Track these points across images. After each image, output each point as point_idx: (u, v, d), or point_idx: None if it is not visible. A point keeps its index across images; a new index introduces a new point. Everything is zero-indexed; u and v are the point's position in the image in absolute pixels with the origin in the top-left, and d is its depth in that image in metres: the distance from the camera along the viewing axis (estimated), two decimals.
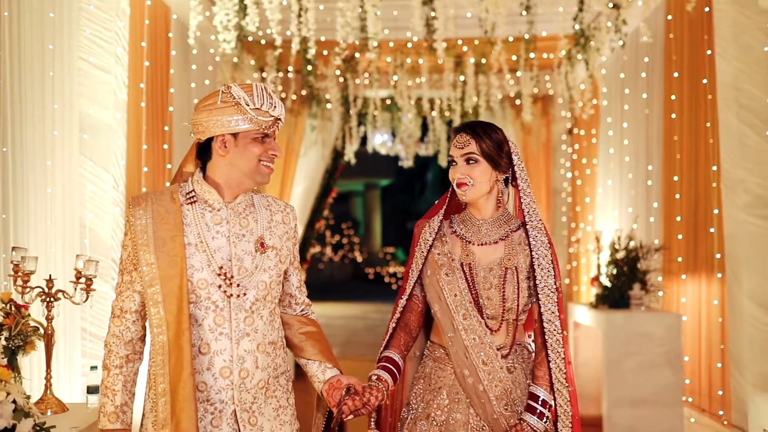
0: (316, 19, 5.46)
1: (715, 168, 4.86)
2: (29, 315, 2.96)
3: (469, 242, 2.39)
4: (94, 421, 2.74)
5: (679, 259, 5.47)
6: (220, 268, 2.12)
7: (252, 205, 2.22)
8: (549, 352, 2.30)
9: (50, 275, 2.98)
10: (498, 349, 2.32)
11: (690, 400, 5.37)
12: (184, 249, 2.10)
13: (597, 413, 5.51)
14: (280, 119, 2.15)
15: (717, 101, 4.76)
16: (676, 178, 5.52)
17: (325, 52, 7.06)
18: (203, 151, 2.18)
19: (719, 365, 4.93)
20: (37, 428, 2.28)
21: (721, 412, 4.87)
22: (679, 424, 5.04)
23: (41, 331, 2.93)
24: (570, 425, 2.30)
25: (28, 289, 2.86)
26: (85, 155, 4.30)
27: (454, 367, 2.33)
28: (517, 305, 2.32)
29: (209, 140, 2.15)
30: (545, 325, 2.31)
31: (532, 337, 2.43)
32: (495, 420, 2.28)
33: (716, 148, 4.82)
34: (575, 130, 8.40)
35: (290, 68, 7.42)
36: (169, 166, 5.70)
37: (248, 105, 2.10)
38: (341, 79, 7.88)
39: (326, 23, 6.12)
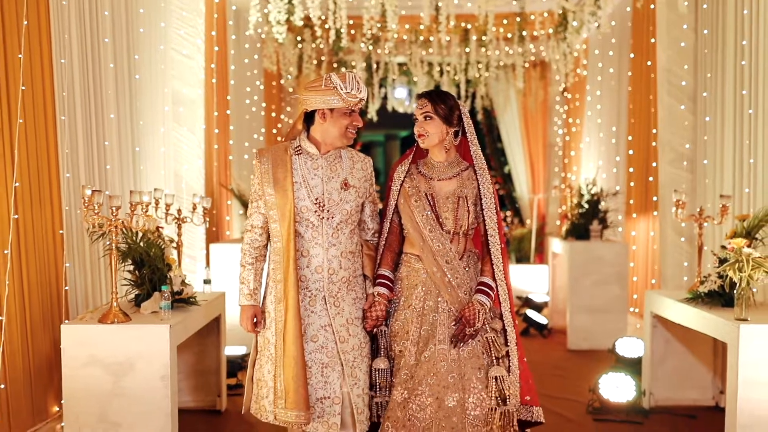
0: (346, 4, 6.85)
1: (654, 131, 6.29)
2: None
3: (431, 178, 3.08)
4: (214, 297, 4.32)
5: (631, 201, 6.96)
6: (316, 199, 2.89)
7: (339, 157, 2.98)
8: (491, 256, 3.05)
9: (179, 208, 4.55)
10: (456, 253, 3.06)
11: (637, 310, 6.91)
12: (293, 185, 2.88)
13: (564, 324, 7.03)
14: (363, 99, 2.87)
15: (656, 79, 6.15)
16: (630, 138, 6.98)
17: (353, 32, 8.46)
18: (308, 117, 2.94)
19: (653, 281, 6.45)
20: (194, 292, 3.88)
21: None
22: (624, 327, 6.56)
23: (173, 244, 4.50)
24: (509, 308, 3.09)
25: (168, 216, 4.42)
26: (179, 123, 5.84)
27: (426, 268, 3.02)
28: (467, 223, 3.07)
29: (313, 111, 2.90)
30: (489, 238, 3.06)
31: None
32: (461, 302, 3.00)
33: (655, 115, 6.24)
34: (566, 94, 9.78)
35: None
36: (231, 127, 7.24)
37: (342, 90, 2.82)
38: (365, 50, 9.27)
39: (353, 4, 7.50)
